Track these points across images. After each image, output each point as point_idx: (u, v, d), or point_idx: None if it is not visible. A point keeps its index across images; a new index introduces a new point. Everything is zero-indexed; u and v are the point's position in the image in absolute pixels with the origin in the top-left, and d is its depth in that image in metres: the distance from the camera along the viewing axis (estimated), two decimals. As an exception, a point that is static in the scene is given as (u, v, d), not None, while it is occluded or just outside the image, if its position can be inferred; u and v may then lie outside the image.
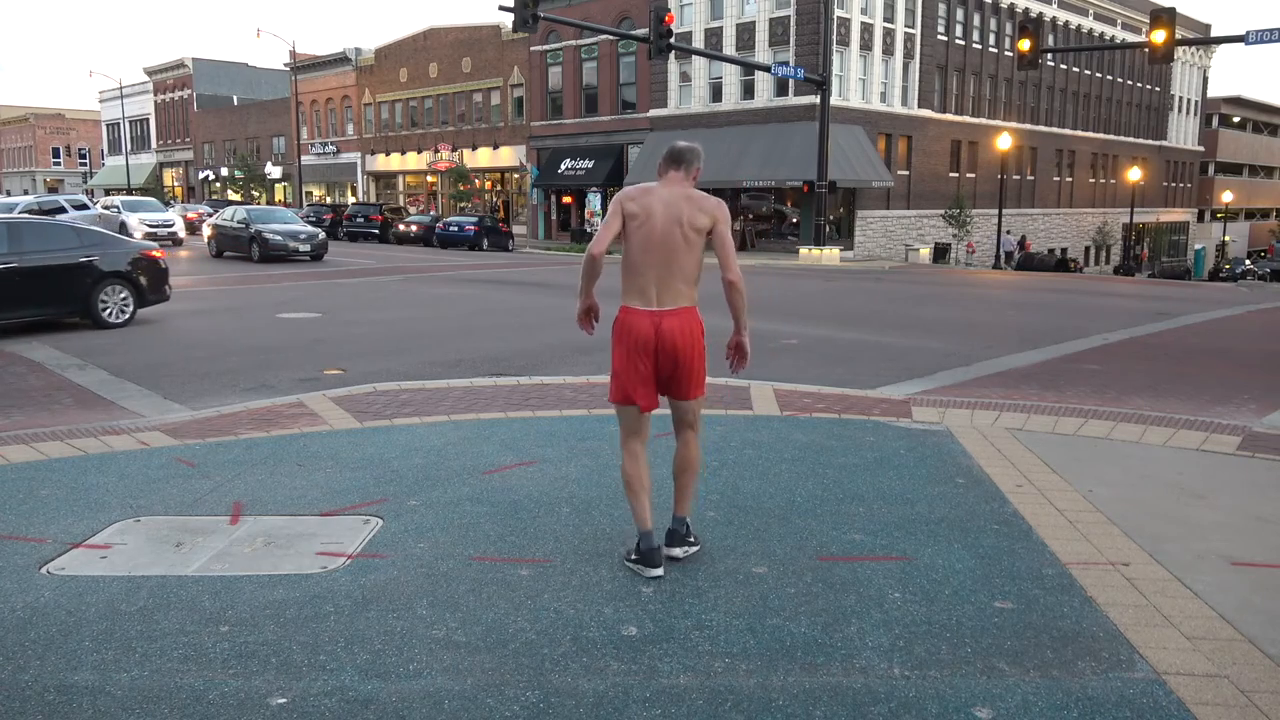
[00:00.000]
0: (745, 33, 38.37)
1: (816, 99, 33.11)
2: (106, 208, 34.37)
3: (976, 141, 44.47)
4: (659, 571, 4.11)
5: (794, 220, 38.21)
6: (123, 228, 32.43)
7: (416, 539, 4.54)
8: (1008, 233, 42.96)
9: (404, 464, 5.79)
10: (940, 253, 41.14)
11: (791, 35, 36.95)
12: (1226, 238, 68.65)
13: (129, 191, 70.81)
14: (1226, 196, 66.46)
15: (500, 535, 4.60)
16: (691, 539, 4.37)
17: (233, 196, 62.92)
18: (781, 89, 37.00)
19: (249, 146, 66.99)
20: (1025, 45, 24.27)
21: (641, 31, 31.62)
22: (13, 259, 11.73)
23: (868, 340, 12.18)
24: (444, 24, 66.08)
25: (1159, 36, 22.09)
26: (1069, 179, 51.53)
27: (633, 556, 4.20)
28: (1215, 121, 69.54)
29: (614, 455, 5.93)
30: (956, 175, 43.58)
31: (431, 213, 47.27)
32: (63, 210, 26.61)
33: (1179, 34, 29.78)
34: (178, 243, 32.70)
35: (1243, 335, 14.10)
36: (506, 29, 45.45)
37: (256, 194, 62.78)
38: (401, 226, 41.95)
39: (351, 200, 55.12)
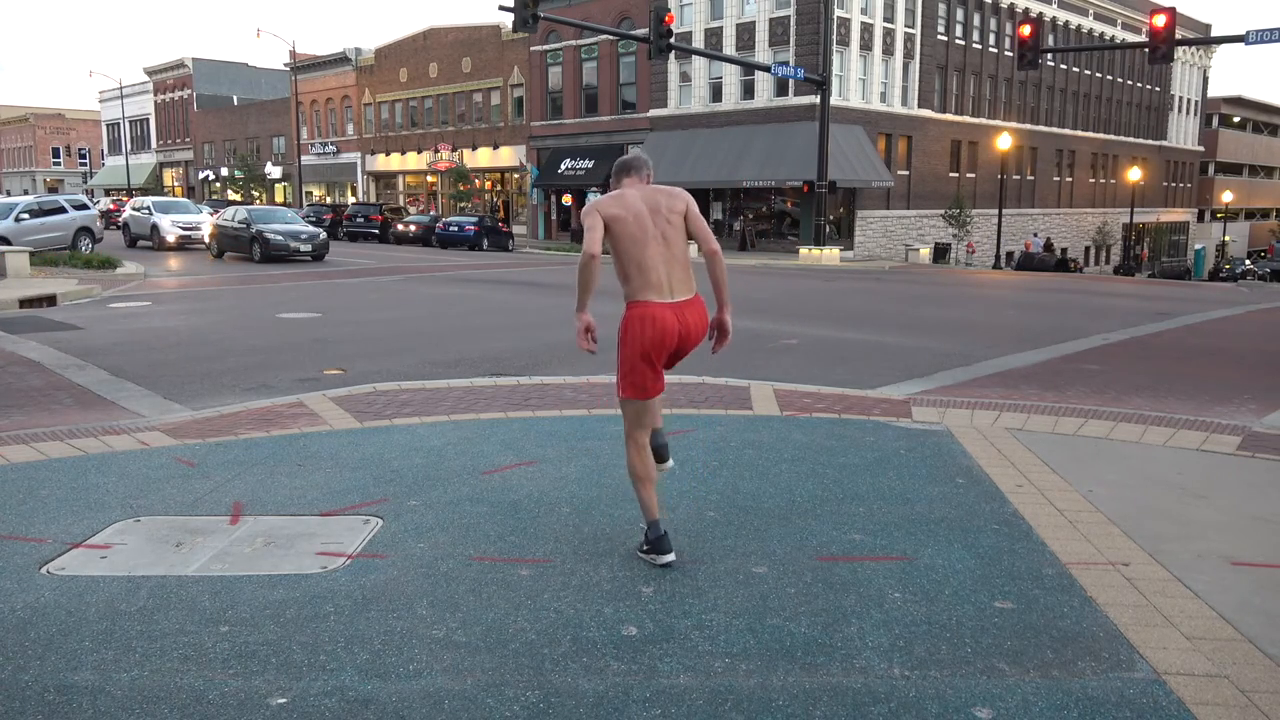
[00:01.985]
0: (745, 33, 38.37)
1: (816, 99, 33.12)
2: (137, 209, 33.16)
3: (976, 141, 44.49)
4: (671, 557, 4.19)
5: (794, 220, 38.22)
6: (154, 230, 31.24)
7: (416, 539, 4.54)
8: (1034, 235, 44.17)
9: (404, 464, 5.78)
10: (940, 253, 41.19)
11: (791, 35, 36.96)
12: (1226, 238, 68.65)
13: (129, 192, 70.83)
14: (1226, 196, 66.47)
15: (500, 535, 4.60)
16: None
17: (233, 196, 62.91)
18: (781, 89, 37.01)
19: (249, 146, 66.98)
20: (1026, 30, 24.21)
21: (641, 31, 31.65)
22: None
23: (868, 340, 12.18)
24: (444, 24, 66.14)
25: (1159, 36, 22.09)
26: (1069, 179, 51.55)
27: (644, 547, 4.27)
28: (1215, 121, 69.54)
29: (614, 455, 5.94)
30: (956, 175, 43.60)
31: (432, 213, 47.25)
32: (62, 210, 26.48)
33: (1179, 34, 29.80)
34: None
35: (1243, 335, 14.10)
36: (506, 29, 45.48)
37: (256, 194, 62.78)
38: (400, 226, 41.73)
39: (351, 200, 55.11)
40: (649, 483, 4.28)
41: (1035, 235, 45.35)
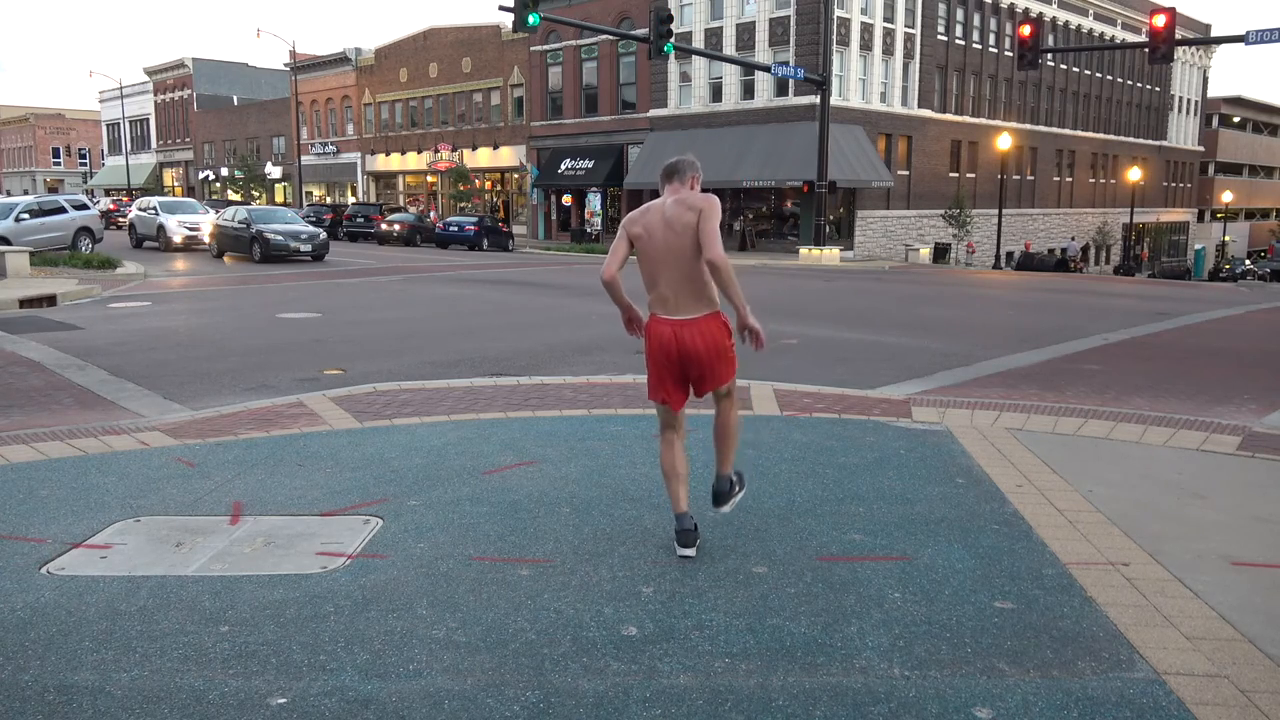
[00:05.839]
0: (745, 33, 38.37)
1: (816, 99, 33.12)
2: (143, 209, 32.69)
3: (976, 141, 44.48)
4: (688, 552, 4.33)
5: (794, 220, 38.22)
6: (161, 230, 30.69)
7: (416, 539, 4.54)
8: (1071, 239, 46.27)
9: (404, 464, 5.78)
10: (940, 253, 41.20)
11: (791, 35, 36.95)
12: (1226, 238, 68.63)
13: (129, 193, 70.82)
14: (1226, 196, 66.45)
15: (500, 535, 4.60)
16: (739, 490, 4.62)
17: (233, 196, 62.88)
18: (781, 89, 37.00)
19: (249, 146, 66.97)
20: (1026, 30, 24.23)
21: (641, 31, 31.65)
22: None
23: (868, 340, 12.18)
24: (444, 24, 66.07)
25: (1159, 36, 22.09)
26: (1069, 179, 51.54)
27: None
28: (1215, 121, 69.52)
29: (614, 455, 5.99)
30: (956, 175, 43.59)
31: (432, 212, 47.14)
32: (63, 210, 26.47)
33: (1179, 34, 29.80)
34: None
35: (1243, 335, 14.10)
36: (506, 29, 45.45)
37: (256, 194, 62.75)
38: (384, 226, 40.54)
39: (352, 200, 55.07)
40: (675, 478, 4.39)
41: (1073, 239, 47.01)
